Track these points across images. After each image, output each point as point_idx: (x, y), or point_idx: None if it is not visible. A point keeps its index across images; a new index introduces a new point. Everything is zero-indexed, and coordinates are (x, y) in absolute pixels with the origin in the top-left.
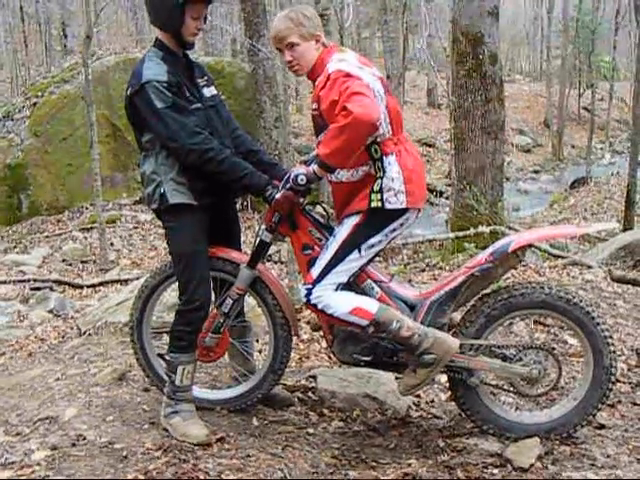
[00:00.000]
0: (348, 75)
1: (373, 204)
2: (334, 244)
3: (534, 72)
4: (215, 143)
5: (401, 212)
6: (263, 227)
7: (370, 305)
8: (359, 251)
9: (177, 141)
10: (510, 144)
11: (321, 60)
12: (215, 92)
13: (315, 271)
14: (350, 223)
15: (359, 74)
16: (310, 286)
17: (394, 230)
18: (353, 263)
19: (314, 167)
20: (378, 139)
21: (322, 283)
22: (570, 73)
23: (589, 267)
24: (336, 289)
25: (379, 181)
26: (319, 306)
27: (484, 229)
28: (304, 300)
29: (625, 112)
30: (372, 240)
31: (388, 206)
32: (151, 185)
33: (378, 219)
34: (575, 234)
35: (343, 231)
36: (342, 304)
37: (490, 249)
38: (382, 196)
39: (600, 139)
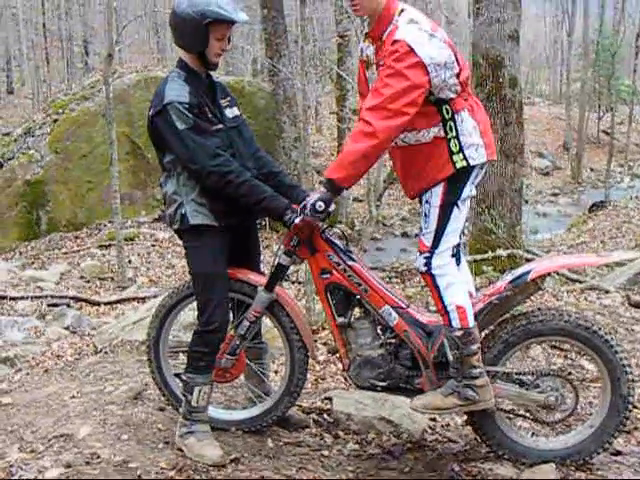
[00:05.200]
0: (407, 52)
1: (458, 165)
2: (433, 211)
3: (554, 95)
4: (235, 165)
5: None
6: (281, 250)
7: (472, 316)
8: (457, 208)
9: (197, 163)
10: (529, 167)
11: (388, 10)
12: (237, 113)
13: (428, 240)
14: (440, 188)
15: (420, 51)
16: (428, 254)
17: (477, 176)
18: (457, 221)
19: (326, 193)
20: (447, 99)
21: (440, 249)
22: (590, 96)
23: (607, 292)
24: (453, 254)
25: (454, 141)
26: (438, 280)
27: (502, 253)
28: (423, 269)
29: None
30: (464, 194)
31: (472, 162)
32: (172, 206)
33: (464, 175)
34: (595, 264)
35: (436, 197)
36: (457, 294)
37: (509, 277)
38: (464, 154)
39: (619, 163)
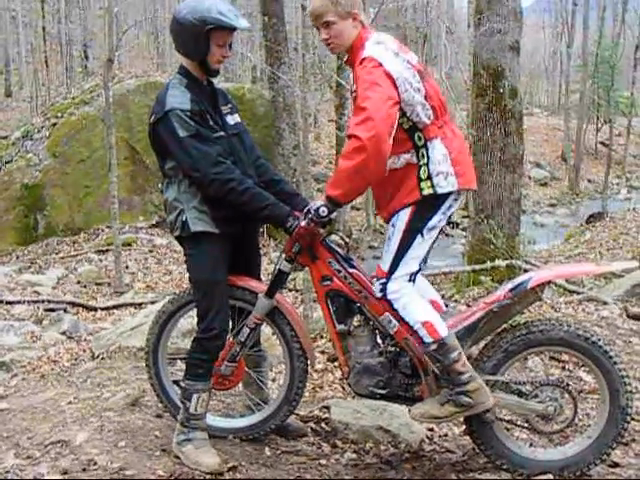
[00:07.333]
0: (376, 66)
1: (425, 192)
2: (396, 235)
3: (552, 106)
4: (237, 173)
5: (454, 192)
6: (282, 257)
7: (441, 326)
8: (422, 235)
9: (199, 170)
10: (527, 177)
11: (360, 39)
12: (239, 120)
13: (385, 265)
14: (406, 213)
15: (388, 66)
16: (384, 280)
17: (450, 207)
18: (419, 248)
19: (325, 206)
20: (420, 126)
21: (395, 275)
22: (588, 107)
23: (605, 303)
24: (409, 280)
25: (424, 168)
26: (395, 305)
27: (501, 263)
28: (379, 295)
29: None
30: (431, 223)
31: (440, 191)
32: (174, 212)
33: (432, 203)
34: (594, 273)
35: (401, 221)
36: (417, 312)
37: (509, 285)
38: (432, 182)
39: (617, 174)
